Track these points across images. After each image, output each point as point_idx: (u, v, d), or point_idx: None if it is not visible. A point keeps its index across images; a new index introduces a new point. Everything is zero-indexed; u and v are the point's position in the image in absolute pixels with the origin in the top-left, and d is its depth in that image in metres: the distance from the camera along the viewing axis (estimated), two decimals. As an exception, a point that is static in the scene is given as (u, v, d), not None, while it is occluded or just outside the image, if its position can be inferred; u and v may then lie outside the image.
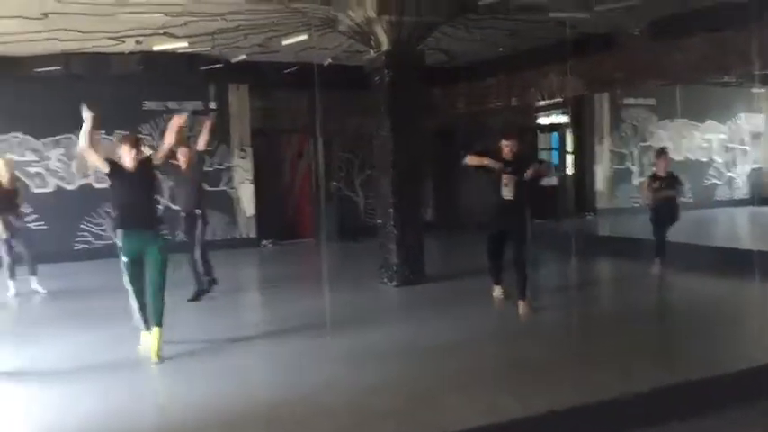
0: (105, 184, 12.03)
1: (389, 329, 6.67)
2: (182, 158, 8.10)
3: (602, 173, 16.23)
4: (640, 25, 10.15)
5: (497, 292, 7.70)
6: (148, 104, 12.44)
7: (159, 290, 5.86)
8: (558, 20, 8.81)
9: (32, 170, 11.79)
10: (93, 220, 12.11)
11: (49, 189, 11.91)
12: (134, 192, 5.85)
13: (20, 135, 11.72)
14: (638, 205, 16.29)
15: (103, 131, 12.07)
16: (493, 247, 7.52)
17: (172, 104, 12.55)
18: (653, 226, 8.95)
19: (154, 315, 5.84)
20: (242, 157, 13.26)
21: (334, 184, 14.17)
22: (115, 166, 5.86)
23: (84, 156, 6.08)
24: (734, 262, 8.71)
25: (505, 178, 7.00)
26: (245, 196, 13.33)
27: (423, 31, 8.82)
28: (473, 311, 7.27)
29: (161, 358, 5.73)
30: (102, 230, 12.12)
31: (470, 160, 7.23)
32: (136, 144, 5.90)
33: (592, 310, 7.41)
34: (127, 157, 5.85)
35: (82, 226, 12.05)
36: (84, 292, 9.27)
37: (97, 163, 5.88)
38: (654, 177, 9.05)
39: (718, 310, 7.17)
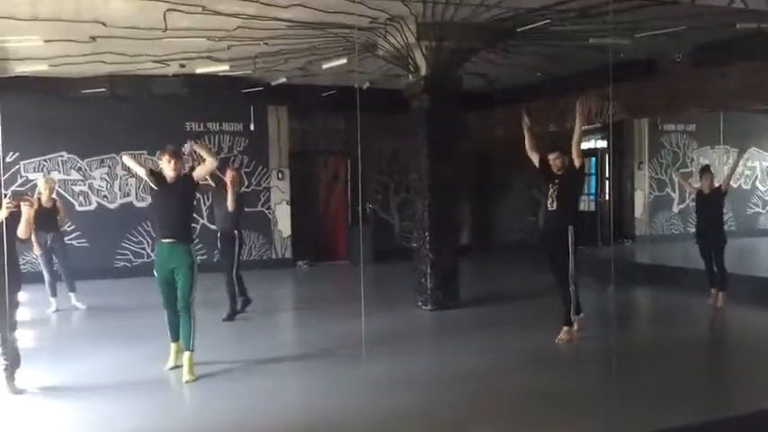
0: (146, 203, 12.37)
1: (422, 355, 6.64)
2: (227, 178, 8.21)
3: (641, 199, 16.01)
4: (682, 51, 10.05)
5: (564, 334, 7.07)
6: (190, 125, 12.66)
7: (186, 310, 5.96)
8: (598, 46, 8.77)
9: (77, 189, 12.07)
10: (134, 238, 12.32)
11: (92, 207, 12.16)
12: (171, 203, 5.97)
13: (65, 154, 12.02)
14: (677, 232, 16.08)
15: (145, 152, 12.39)
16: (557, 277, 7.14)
17: (213, 126, 12.78)
18: (700, 252, 8.76)
19: (183, 339, 5.94)
20: (279, 179, 13.39)
21: (370, 206, 14.21)
22: (156, 176, 6.02)
23: (127, 164, 6.37)
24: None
25: (552, 190, 6.92)
26: (282, 217, 13.44)
27: (461, 57, 8.85)
28: (507, 339, 7.20)
29: (194, 378, 5.79)
30: (141, 248, 12.33)
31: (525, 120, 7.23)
32: (175, 155, 5.99)
33: (631, 341, 7.25)
34: (167, 168, 5.97)
35: (123, 244, 12.27)
36: (122, 309, 9.41)
37: (138, 170, 6.13)
38: (699, 194, 8.88)
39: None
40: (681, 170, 16.18)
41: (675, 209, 16.10)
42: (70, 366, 6.34)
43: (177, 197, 5.98)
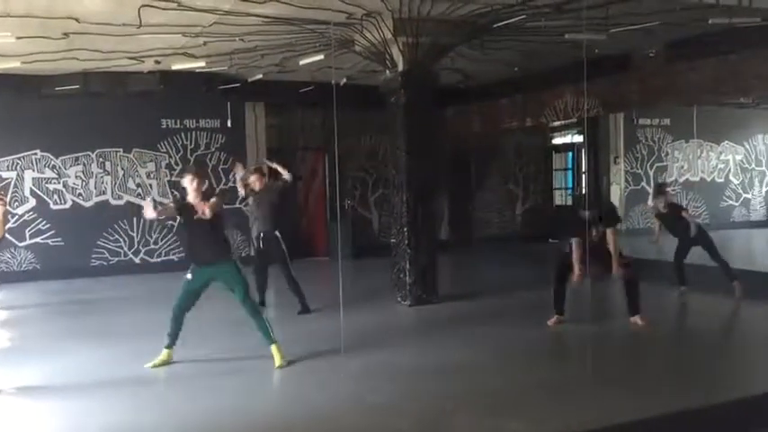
0: (122, 201, 12.28)
1: (401, 349, 6.66)
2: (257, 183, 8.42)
3: (617, 193, 16.17)
4: (656, 47, 10.17)
5: (554, 320, 7.40)
6: (166, 122, 12.57)
7: (255, 311, 6.12)
8: (573, 41, 8.84)
9: (51, 187, 11.93)
10: (110, 236, 12.21)
11: (67, 206, 12.03)
12: (202, 227, 5.95)
13: (39, 152, 11.87)
14: (653, 226, 16.24)
15: (121, 149, 12.30)
16: (562, 269, 7.29)
17: (189, 122, 12.70)
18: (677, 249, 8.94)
19: (265, 337, 6.10)
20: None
21: (348, 202, 14.21)
22: (184, 208, 6.02)
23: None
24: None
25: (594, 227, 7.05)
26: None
27: (438, 52, 8.88)
28: (486, 332, 7.25)
29: (286, 362, 5.98)
30: (118, 247, 12.23)
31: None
32: (199, 176, 6.01)
33: (611, 330, 7.33)
34: (191, 193, 5.98)
35: (99, 242, 12.15)
36: (99, 308, 9.33)
37: (169, 214, 6.17)
38: (658, 216, 9.09)
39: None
40: (656, 164, 16.42)
41: (650, 203, 16.25)
42: (45, 366, 6.26)
43: (207, 220, 5.94)
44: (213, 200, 5.95)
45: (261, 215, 8.47)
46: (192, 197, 6.01)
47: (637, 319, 7.24)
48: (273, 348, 6.07)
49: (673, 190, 15.63)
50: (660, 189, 9.29)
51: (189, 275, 6.09)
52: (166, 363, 6.10)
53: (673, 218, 8.88)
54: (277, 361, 6.01)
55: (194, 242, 6.09)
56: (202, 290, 6.14)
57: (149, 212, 5.83)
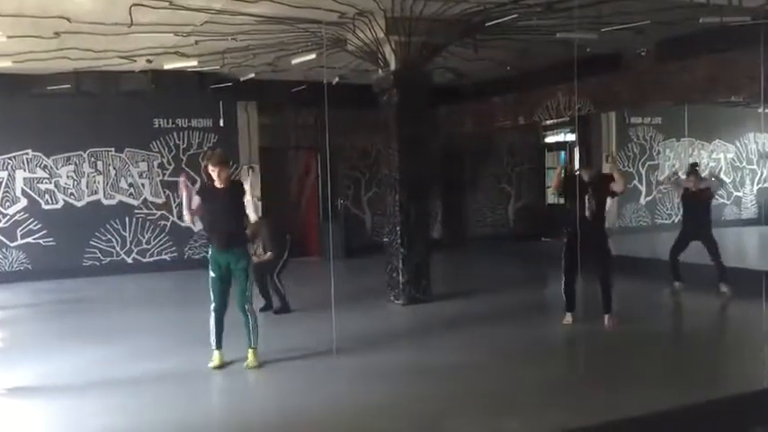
0: (114, 201, 12.24)
1: (394, 349, 6.67)
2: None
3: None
4: (647, 46, 10.20)
5: (569, 318, 7.36)
6: (158, 122, 12.54)
7: (246, 310, 6.06)
8: (565, 40, 8.86)
9: (43, 187, 11.88)
10: (102, 236, 12.17)
11: (58, 206, 11.99)
12: (222, 211, 5.97)
13: (30, 152, 11.82)
14: (645, 224, 16.33)
15: (113, 148, 12.26)
16: (569, 263, 7.25)
17: (181, 122, 12.67)
18: (677, 243, 8.94)
19: (246, 336, 6.05)
20: (250, 174, 13.30)
21: (341, 201, 14.20)
22: (205, 190, 6.09)
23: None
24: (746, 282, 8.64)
25: (587, 198, 7.02)
26: (252, 213, 13.33)
27: (431, 51, 8.89)
28: (479, 331, 7.26)
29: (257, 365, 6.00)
30: (110, 246, 12.20)
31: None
32: (222, 165, 6.00)
33: (605, 330, 7.35)
34: (215, 177, 5.99)
35: (91, 242, 12.11)
36: (91, 309, 9.30)
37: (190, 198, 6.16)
38: (686, 192, 9.00)
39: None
40: (647, 162, 16.46)
41: (642, 201, 16.35)
42: (37, 366, 6.25)
43: (227, 204, 5.99)
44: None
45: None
46: (217, 183, 6.02)
47: (605, 319, 7.18)
48: (251, 353, 6.06)
49: (665, 188, 15.75)
50: (693, 169, 9.20)
51: (211, 273, 6.07)
52: (222, 365, 6.06)
53: (696, 201, 8.84)
54: (249, 363, 6.03)
55: (215, 225, 6.06)
56: (229, 281, 6.08)
57: (187, 216, 6.10)
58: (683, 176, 9.46)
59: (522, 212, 16.13)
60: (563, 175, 7.51)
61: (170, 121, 12.60)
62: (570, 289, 7.33)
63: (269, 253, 8.18)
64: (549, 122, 14.15)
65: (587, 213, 7.01)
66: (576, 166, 8.82)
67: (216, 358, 6.07)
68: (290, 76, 11.56)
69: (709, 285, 8.74)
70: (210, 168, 5.99)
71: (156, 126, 12.52)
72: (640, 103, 11.85)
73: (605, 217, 7.34)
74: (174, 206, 12.43)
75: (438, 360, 6.18)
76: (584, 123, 15.36)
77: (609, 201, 7.36)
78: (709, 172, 9.40)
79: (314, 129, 13.73)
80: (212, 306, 6.10)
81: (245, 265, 6.05)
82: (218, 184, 6.01)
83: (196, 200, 6.11)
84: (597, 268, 7.24)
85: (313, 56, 9.46)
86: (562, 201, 7.63)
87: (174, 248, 12.62)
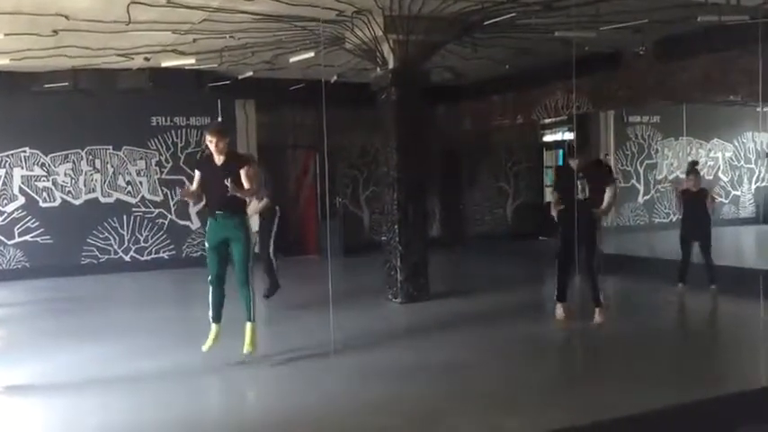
0: (112, 199, 12.20)
1: (392, 348, 6.66)
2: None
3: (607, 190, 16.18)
4: (646, 44, 10.20)
5: (560, 311, 7.44)
6: (156, 120, 12.52)
7: (245, 283, 6.01)
8: (564, 39, 8.86)
9: (40, 185, 11.87)
10: (100, 234, 12.16)
11: (56, 204, 11.97)
12: (219, 181, 5.86)
13: (28, 150, 11.81)
14: (642, 223, 16.32)
15: (111, 146, 12.25)
16: (565, 257, 7.27)
17: (179, 120, 12.66)
18: (681, 246, 8.88)
19: (245, 310, 6.00)
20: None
21: (340, 199, 14.20)
22: (202, 160, 6.09)
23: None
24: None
25: (581, 183, 7.04)
26: (250, 212, 13.33)
27: (429, 50, 8.88)
28: (477, 329, 7.26)
29: (254, 349, 5.94)
30: (107, 245, 12.18)
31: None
32: (219, 134, 5.94)
33: (605, 329, 7.34)
34: (213, 148, 5.95)
35: (88, 240, 12.09)
36: (89, 307, 9.29)
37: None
38: (686, 192, 8.93)
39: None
40: (645, 161, 16.47)
41: (641, 200, 16.34)
42: (35, 364, 6.24)
43: (225, 175, 5.87)
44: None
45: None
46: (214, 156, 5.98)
47: (596, 313, 7.18)
48: (248, 327, 6.01)
49: (663, 186, 15.76)
50: (693, 167, 9.16)
51: (206, 243, 6.05)
52: (216, 337, 6.07)
53: (696, 200, 8.85)
54: (246, 345, 5.96)
55: (211, 193, 6.04)
56: (227, 251, 6.04)
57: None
58: (683, 176, 9.46)
59: (521, 211, 16.12)
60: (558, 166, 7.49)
61: (168, 119, 12.59)
62: (564, 276, 7.34)
63: (264, 200, 8.15)
64: (547, 121, 14.16)
65: (581, 196, 7.01)
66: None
67: (212, 332, 6.06)
68: (289, 75, 11.54)
69: (703, 285, 8.74)
70: (208, 139, 5.94)
71: (154, 124, 12.51)
72: (639, 101, 11.87)
73: (602, 205, 7.29)
74: (172, 204, 12.43)
75: (436, 358, 6.17)
76: (582, 122, 15.35)
77: (609, 192, 7.31)
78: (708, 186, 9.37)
79: (312, 127, 13.71)
80: (209, 278, 6.08)
81: (242, 235, 5.99)
82: (215, 155, 5.96)
83: (197, 176, 6.09)
84: (582, 252, 7.17)
85: (311, 54, 9.45)
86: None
87: (172, 247, 12.60)
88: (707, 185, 9.09)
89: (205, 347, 6.05)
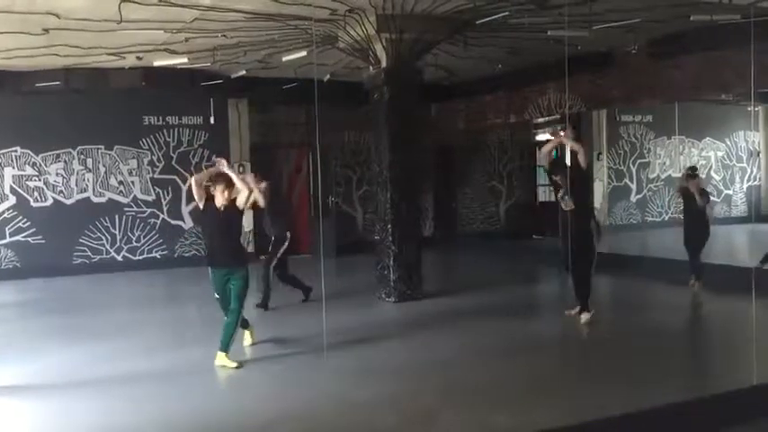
0: (104, 198, 12.11)
1: (385, 346, 6.67)
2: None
3: (599, 189, 16.25)
4: (638, 44, 10.21)
5: (585, 318, 7.28)
6: (148, 119, 12.48)
7: (235, 312, 6.06)
8: (556, 38, 8.87)
9: (31, 184, 11.81)
10: (92, 234, 12.11)
11: (47, 203, 11.92)
12: (222, 230, 6.01)
13: (19, 149, 11.75)
14: (635, 222, 16.37)
15: (103, 146, 12.20)
16: (576, 257, 7.23)
17: (172, 119, 12.62)
18: (686, 246, 9.00)
19: (222, 337, 6.01)
20: (241, 172, 13.24)
21: (333, 199, 14.18)
22: (208, 204, 6.05)
23: (193, 185, 6.19)
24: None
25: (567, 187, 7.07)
26: (261, 200, 13.29)
27: (422, 49, 8.87)
28: (470, 328, 7.27)
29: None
30: (100, 245, 12.14)
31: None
32: (228, 184, 5.97)
33: (594, 326, 7.37)
34: (219, 198, 5.98)
35: (80, 240, 12.05)
36: (80, 307, 9.25)
37: (196, 195, 6.08)
38: (684, 196, 9.05)
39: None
40: (638, 160, 16.50)
41: (633, 199, 16.39)
42: (26, 365, 6.21)
43: (228, 224, 6.01)
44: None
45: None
46: (218, 202, 5.99)
47: (584, 317, 7.20)
48: (222, 355, 5.99)
49: (655, 186, 15.82)
50: (693, 172, 9.18)
51: (216, 295, 6.16)
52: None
53: (698, 210, 8.90)
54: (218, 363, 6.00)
55: (213, 241, 6.13)
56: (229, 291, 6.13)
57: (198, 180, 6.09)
58: (676, 175, 9.53)
59: (514, 210, 16.15)
60: (554, 155, 7.46)
61: (160, 118, 12.55)
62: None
63: (263, 184, 8.24)
64: (540, 120, 14.17)
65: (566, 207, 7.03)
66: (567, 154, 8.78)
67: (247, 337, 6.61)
68: (281, 74, 11.51)
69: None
70: (219, 190, 5.95)
71: (146, 123, 12.47)
72: (631, 100, 11.89)
73: (590, 200, 7.30)
74: (164, 204, 12.40)
75: (429, 356, 6.18)
76: (574, 121, 15.37)
77: (597, 187, 7.34)
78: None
79: (305, 126, 13.70)
80: (225, 321, 6.11)
81: (241, 279, 6.05)
82: (218, 203, 5.99)
83: (196, 209, 6.13)
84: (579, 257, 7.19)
85: (304, 53, 9.43)
86: (552, 198, 7.61)
87: (164, 246, 12.57)
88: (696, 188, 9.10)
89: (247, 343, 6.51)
